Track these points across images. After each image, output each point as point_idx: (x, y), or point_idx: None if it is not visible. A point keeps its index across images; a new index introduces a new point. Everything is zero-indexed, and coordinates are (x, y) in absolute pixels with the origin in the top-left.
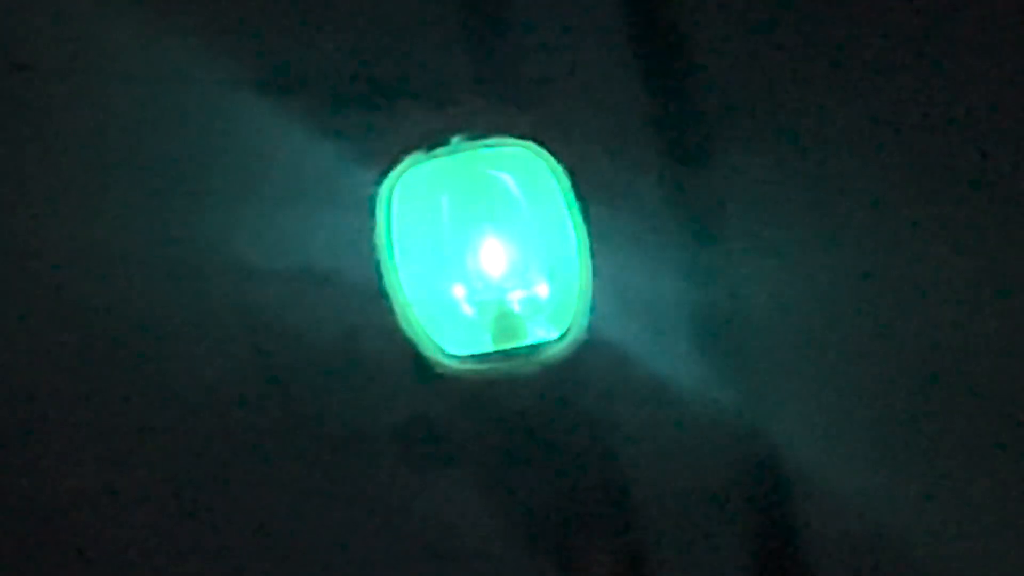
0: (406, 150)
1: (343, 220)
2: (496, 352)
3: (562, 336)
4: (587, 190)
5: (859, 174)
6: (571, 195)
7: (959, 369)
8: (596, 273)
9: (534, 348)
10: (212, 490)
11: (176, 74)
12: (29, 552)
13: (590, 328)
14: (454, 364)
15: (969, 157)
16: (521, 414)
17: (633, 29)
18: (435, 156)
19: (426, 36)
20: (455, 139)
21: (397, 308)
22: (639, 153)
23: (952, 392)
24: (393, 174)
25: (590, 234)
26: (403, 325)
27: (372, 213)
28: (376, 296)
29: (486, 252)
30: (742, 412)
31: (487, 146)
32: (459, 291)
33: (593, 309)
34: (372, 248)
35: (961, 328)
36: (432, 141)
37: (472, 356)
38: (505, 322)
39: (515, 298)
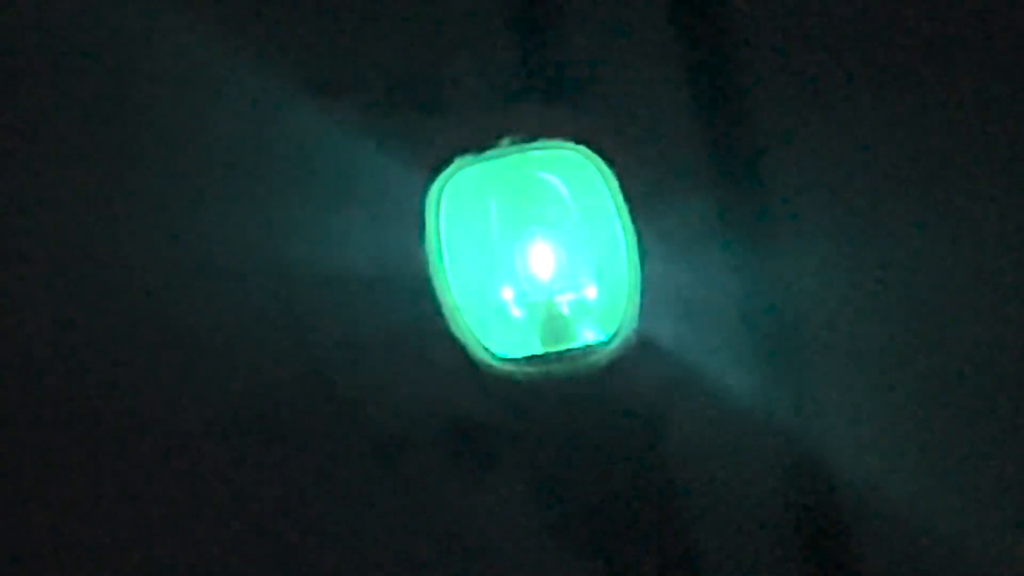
0: (455, 153)
1: (392, 223)
2: (545, 354)
3: (610, 338)
4: (635, 192)
5: (913, 177)
6: (619, 197)
7: (1012, 373)
8: (644, 275)
9: (582, 350)
10: (259, 491)
11: (225, 76)
12: (74, 548)
13: (638, 330)
14: (503, 366)
15: None
16: (569, 416)
17: (682, 31)
18: (484, 159)
19: (476, 38)
20: (504, 142)
21: (446, 310)
22: (688, 155)
23: (1002, 396)
24: (442, 177)
25: (638, 236)
26: (452, 327)
27: (421, 216)
28: (425, 298)
29: (535, 254)
30: (791, 414)
31: (536, 148)
32: (508, 293)
33: (641, 311)
34: (421, 250)
35: (1015, 332)
36: (481, 144)
37: (521, 358)
38: (554, 324)
39: (564, 300)
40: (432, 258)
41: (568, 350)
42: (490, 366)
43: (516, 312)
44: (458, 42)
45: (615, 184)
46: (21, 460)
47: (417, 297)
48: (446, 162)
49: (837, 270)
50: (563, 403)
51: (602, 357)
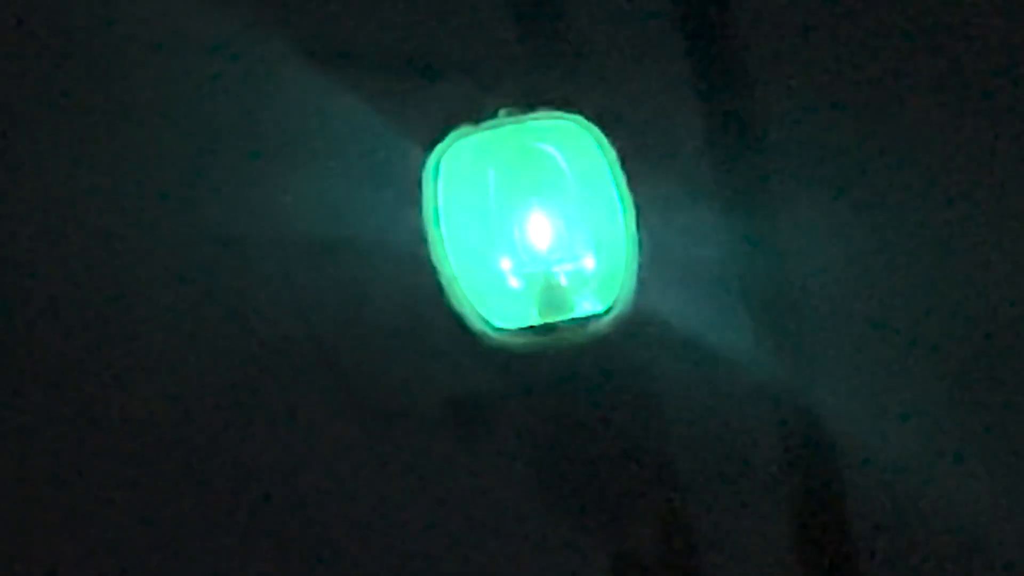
0: (454, 123)
1: (390, 193)
2: (543, 325)
3: (608, 309)
4: (633, 163)
5: (911, 145)
6: (617, 168)
7: (1005, 340)
8: (642, 246)
9: (580, 321)
10: (260, 462)
11: (225, 45)
12: (82, 510)
13: (636, 301)
14: (501, 337)
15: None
16: (567, 386)
17: (681, 1)
18: (482, 129)
19: (475, 8)
20: (502, 112)
21: (444, 281)
22: (686, 125)
23: (997, 362)
24: (440, 147)
25: (636, 207)
26: (450, 298)
27: (420, 186)
28: (424, 269)
29: (533, 225)
30: (788, 382)
31: (534, 119)
32: (506, 264)
33: (639, 281)
34: (420, 221)
35: (1008, 301)
36: (479, 114)
37: (519, 329)
38: (552, 295)
39: (561, 271)
40: (430, 229)
41: (566, 320)
42: (488, 337)
43: (514, 283)
44: (458, 12)
45: (612, 154)
46: (26, 429)
47: (415, 268)
48: (444, 133)
49: (835, 237)
50: (561, 373)
51: (600, 327)
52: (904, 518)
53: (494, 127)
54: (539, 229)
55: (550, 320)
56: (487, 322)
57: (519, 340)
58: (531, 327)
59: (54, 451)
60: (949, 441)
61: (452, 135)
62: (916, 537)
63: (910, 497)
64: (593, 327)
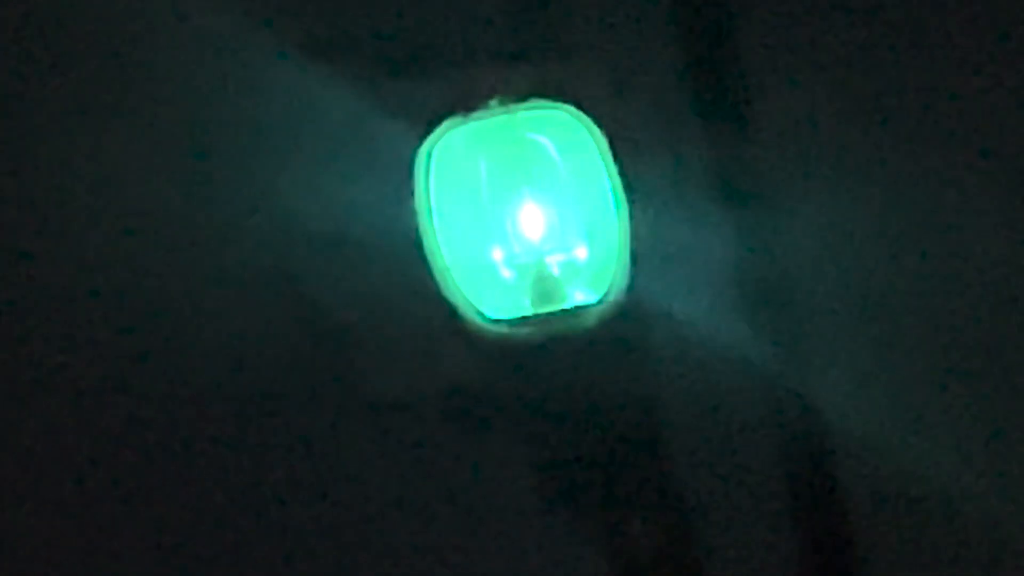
0: (445, 113)
1: (382, 184)
2: (535, 316)
3: (601, 299)
4: (625, 152)
5: (905, 133)
6: (609, 158)
7: (1000, 330)
8: (635, 236)
9: (573, 311)
10: (253, 456)
11: (216, 38)
12: (72, 515)
13: (629, 291)
14: (493, 328)
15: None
16: (560, 378)
17: None
18: (474, 119)
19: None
20: (493, 102)
21: (436, 272)
22: (678, 114)
23: (992, 351)
24: (432, 137)
25: (628, 196)
26: (442, 289)
27: (411, 177)
28: (415, 260)
29: (525, 215)
30: (784, 372)
31: (525, 109)
32: (498, 254)
33: (632, 272)
34: (411, 212)
35: (1002, 289)
36: (470, 104)
37: (511, 320)
38: (544, 285)
39: (554, 261)
40: (422, 220)
41: (558, 311)
42: (481, 328)
43: (506, 273)
44: (446, 3)
45: (604, 144)
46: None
47: (407, 259)
48: (435, 123)
49: (828, 226)
50: (554, 364)
51: (592, 318)
52: (903, 509)
53: (485, 117)
54: (531, 220)
55: (542, 311)
56: (480, 313)
57: (512, 331)
58: (524, 318)
59: (55, 451)
60: (947, 428)
61: (443, 126)
62: (916, 528)
63: (909, 486)
64: (585, 317)
